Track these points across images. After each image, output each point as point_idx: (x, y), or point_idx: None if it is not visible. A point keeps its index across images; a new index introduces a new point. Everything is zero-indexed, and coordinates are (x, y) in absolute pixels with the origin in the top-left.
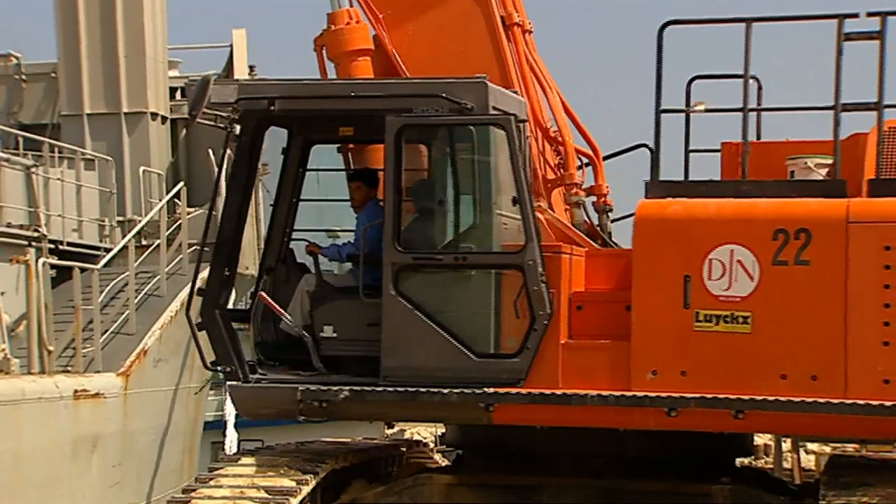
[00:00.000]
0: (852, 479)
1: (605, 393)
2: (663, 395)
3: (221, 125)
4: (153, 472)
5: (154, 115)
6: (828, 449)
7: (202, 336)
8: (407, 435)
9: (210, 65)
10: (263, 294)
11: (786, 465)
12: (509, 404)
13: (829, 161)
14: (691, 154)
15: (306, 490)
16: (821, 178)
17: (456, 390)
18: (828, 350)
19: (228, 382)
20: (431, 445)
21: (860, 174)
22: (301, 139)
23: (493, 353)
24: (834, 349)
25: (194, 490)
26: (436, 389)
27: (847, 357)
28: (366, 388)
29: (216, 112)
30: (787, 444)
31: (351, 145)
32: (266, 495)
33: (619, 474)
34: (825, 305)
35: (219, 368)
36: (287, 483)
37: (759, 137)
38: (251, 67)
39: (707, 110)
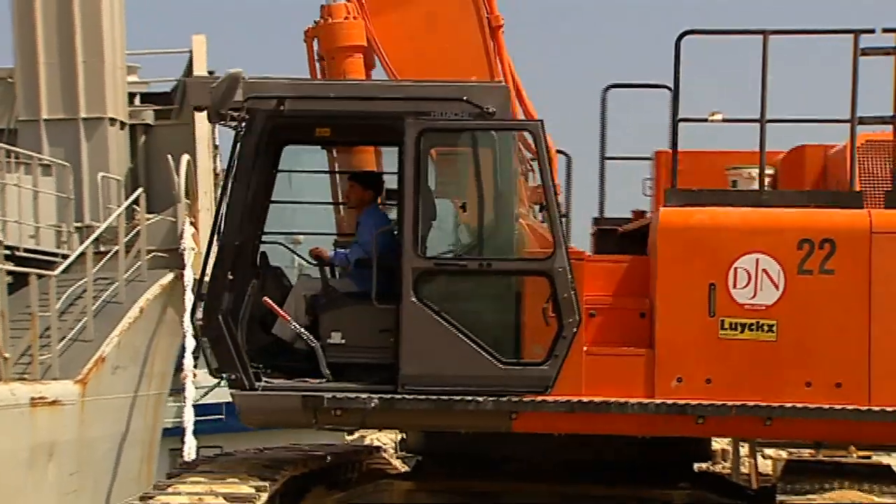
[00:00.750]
0: (808, 483)
1: (645, 401)
2: (705, 403)
3: (232, 125)
4: (111, 479)
5: (113, 120)
6: (784, 454)
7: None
8: (367, 441)
9: (169, 70)
10: (268, 300)
11: (743, 469)
12: (536, 412)
13: (772, 171)
14: (617, 161)
15: (265, 497)
16: (767, 188)
17: (491, 398)
18: (852, 358)
19: (233, 391)
20: (392, 451)
21: (802, 185)
22: (295, 141)
23: (520, 360)
24: (858, 357)
25: (152, 497)
26: (469, 398)
27: (871, 365)
28: (395, 396)
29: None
30: (744, 450)
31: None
32: (224, 502)
33: (579, 480)
34: (849, 314)
35: (223, 376)
36: (245, 490)
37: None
38: (211, 73)
39: (724, 120)
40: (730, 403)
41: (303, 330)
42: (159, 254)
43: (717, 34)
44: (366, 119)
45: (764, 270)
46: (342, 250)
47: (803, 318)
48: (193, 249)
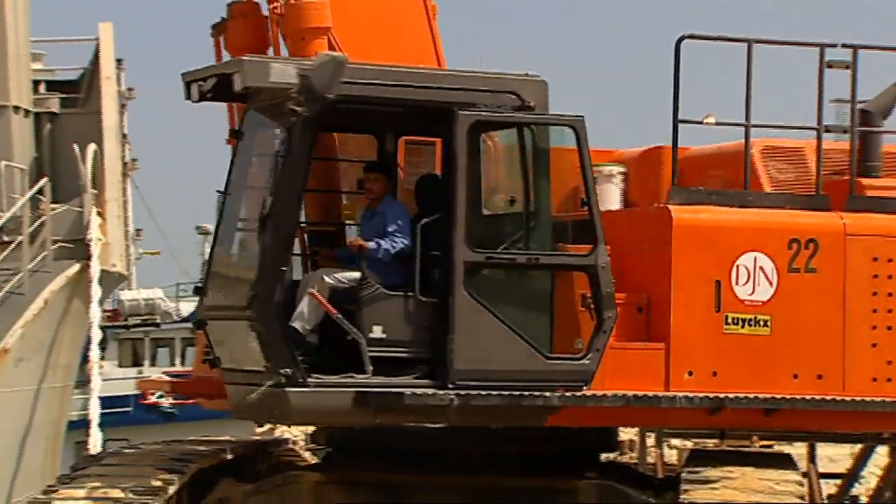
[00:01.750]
0: (712, 472)
1: (690, 395)
2: (730, 395)
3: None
4: (14, 472)
5: (17, 108)
6: (689, 444)
7: (251, 337)
8: (276, 433)
9: (76, 59)
10: (314, 292)
11: (650, 459)
12: (585, 408)
13: (623, 169)
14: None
15: (172, 489)
16: (618, 187)
17: (566, 394)
18: (830, 351)
19: (288, 389)
20: (301, 443)
21: (654, 184)
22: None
23: (561, 354)
24: (835, 350)
25: (55, 490)
26: (538, 393)
27: (845, 357)
28: (471, 392)
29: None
30: (650, 440)
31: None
32: (130, 495)
33: (487, 471)
34: (828, 310)
35: (280, 373)
36: (152, 482)
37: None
38: (119, 61)
39: (717, 123)
40: (782, 396)
41: (349, 324)
42: (65, 244)
43: (713, 40)
44: (411, 108)
45: (761, 268)
46: (382, 242)
47: (792, 314)
48: (100, 240)
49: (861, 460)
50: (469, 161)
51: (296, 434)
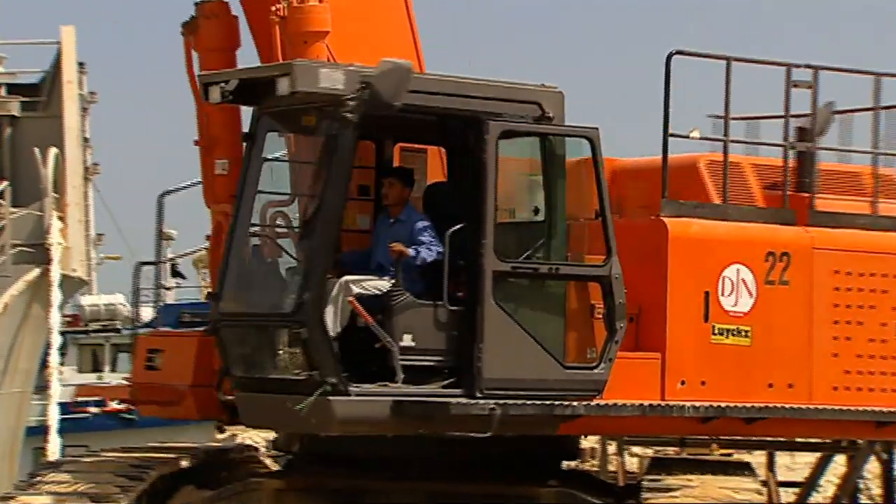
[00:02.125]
0: (672, 479)
1: (697, 404)
2: (732, 404)
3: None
4: None
5: None
6: (650, 452)
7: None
8: (238, 440)
9: (38, 62)
10: (354, 301)
11: (611, 467)
12: (595, 416)
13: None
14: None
15: (132, 496)
16: None
17: (591, 403)
18: (800, 361)
19: (332, 398)
20: (262, 450)
21: (577, 194)
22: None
23: (577, 363)
24: (804, 360)
25: (13, 497)
26: (566, 402)
27: (812, 367)
28: (508, 402)
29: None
30: (612, 447)
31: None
32: (89, 502)
33: (449, 478)
34: (798, 321)
35: (326, 381)
36: (111, 489)
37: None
38: (81, 65)
39: (701, 137)
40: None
41: (384, 333)
42: (25, 248)
43: (701, 56)
44: (441, 116)
45: (743, 280)
46: (420, 250)
47: (769, 325)
48: (61, 244)
49: (819, 469)
50: (496, 170)
51: (257, 440)
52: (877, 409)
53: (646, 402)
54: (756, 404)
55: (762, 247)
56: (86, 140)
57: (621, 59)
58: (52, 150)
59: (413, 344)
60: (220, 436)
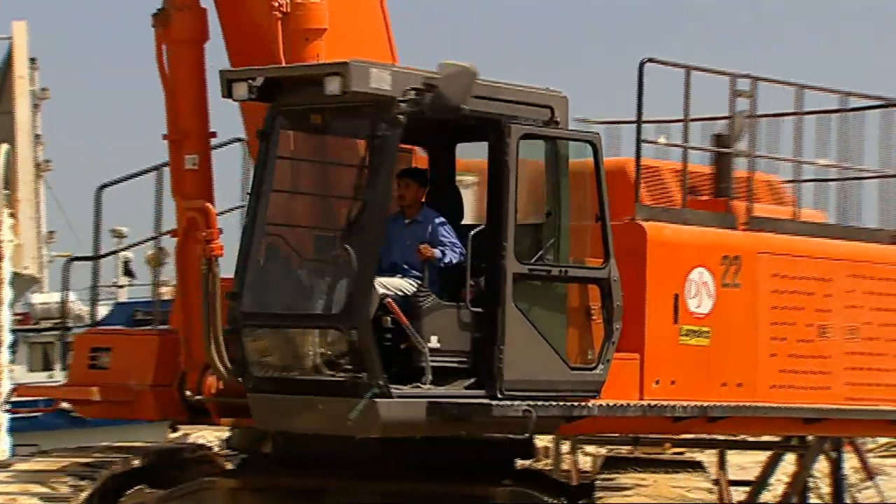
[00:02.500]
0: (625, 478)
1: (695, 403)
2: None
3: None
4: None
5: None
6: (603, 451)
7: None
8: (191, 438)
9: None
10: (392, 302)
11: (564, 466)
12: (598, 417)
13: (474, 179)
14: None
15: (83, 496)
16: (472, 195)
17: (601, 404)
18: (747, 360)
19: (379, 400)
20: (216, 449)
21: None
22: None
23: (581, 365)
24: (750, 360)
25: None
26: (579, 403)
27: (756, 366)
28: (539, 403)
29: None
30: (565, 446)
31: None
32: (40, 502)
33: (403, 477)
34: (747, 322)
35: (375, 384)
36: (63, 489)
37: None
38: (32, 60)
39: (666, 143)
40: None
41: (416, 334)
42: None
43: (672, 66)
44: (463, 119)
45: (704, 283)
46: (446, 251)
47: (725, 326)
48: (12, 241)
49: (769, 468)
50: (517, 173)
51: (210, 440)
52: (808, 406)
53: (646, 402)
54: (718, 403)
55: (720, 250)
56: (37, 136)
57: (620, 59)
58: (3, 147)
59: (439, 345)
60: (172, 435)
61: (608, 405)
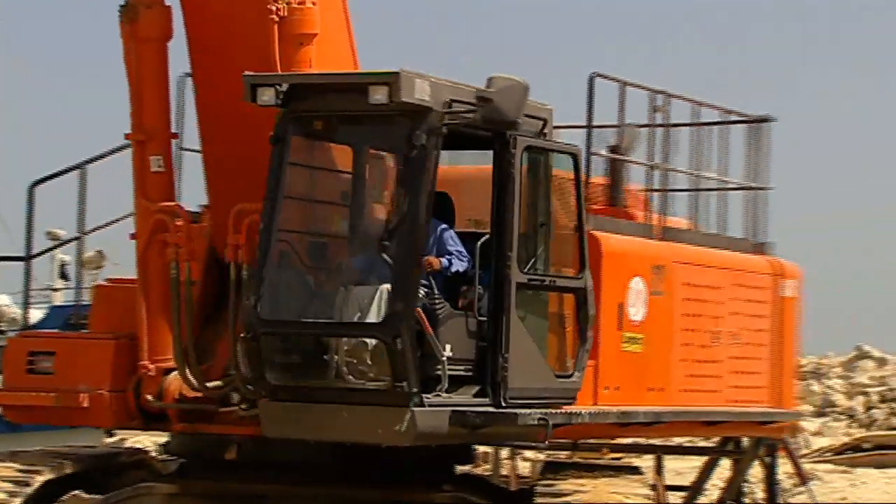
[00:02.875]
0: (564, 484)
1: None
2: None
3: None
4: None
5: None
6: (542, 456)
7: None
8: (128, 443)
9: None
10: (419, 311)
11: (503, 471)
12: (576, 424)
13: None
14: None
15: (17, 502)
16: None
17: (591, 411)
18: (666, 366)
19: (416, 409)
20: (154, 454)
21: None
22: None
23: (563, 372)
24: (668, 365)
25: None
26: (571, 411)
27: (670, 371)
28: (550, 412)
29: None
30: (504, 452)
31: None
32: None
33: (343, 482)
34: (667, 328)
35: (415, 392)
36: None
37: None
38: None
39: (605, 155)
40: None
41: (437, 342)
42: None
43: (618, 82)
44: (475, 128)
45: (639, 291)
46: (453, 261)
47: (652, 333)
48: None
49: (705, 473)
50: (520, 183)
51: (147, 445)
52: (711, 409)
53: (623, 408)
54: (651, 408)
55: (650, 260)
56: None
57: (623, 59)
58: None
59: (451, 354)
60: (108, 440)
61: (599, 412)
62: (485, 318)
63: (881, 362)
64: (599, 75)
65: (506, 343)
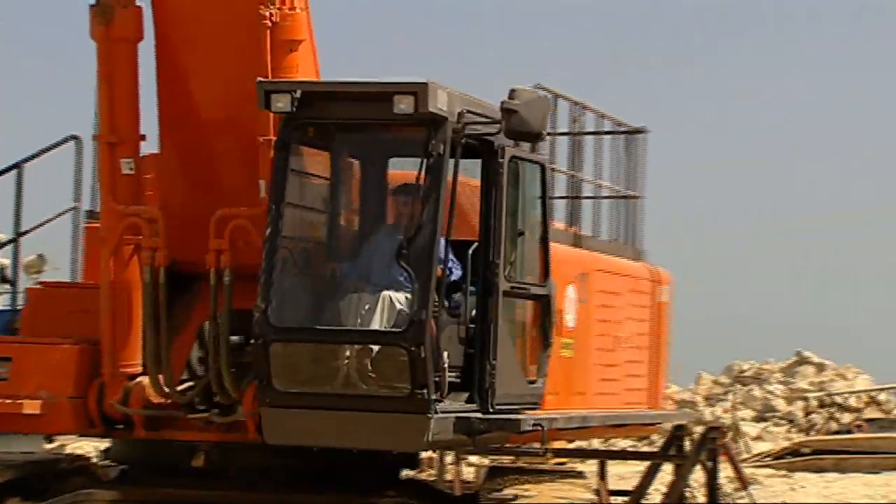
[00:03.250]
0: (509, 488)
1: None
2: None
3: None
4: None
5: None
6: (486, 461)
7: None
8: (68, 449)
9: None
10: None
11: (448, 476)
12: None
13: None
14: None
15: None
16: None
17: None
18: (586, 371)
19: (433, 416)
20: (95, 460)
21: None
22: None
23: (531, 378)
24: (587, 370)
25: None
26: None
27: (589, 376)
28: (551, 417)
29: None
30: (448, 457)
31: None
32: None
33: (286, 488)
34: (588, 334)
35: (434, 399)
36: None
37: None
38: None
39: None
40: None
41: (440, 350)
42: None
43: (558, 96)
44: (467, 137)
45: (571, 298)
46: (452, 267)
47: (580, 338)
48: None
49: (648, 478)
50: (506, 192)
51: (88, 450)
52: (618, 412)
53: (584, 413)
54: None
55: (578, 267)
56: None
57: (621, 58)
58: None
59: (448, 360)
60: (48, 445)
61: (573, 416)
62: (473, 325)
63: (820, 368)
64: (540, 88)
65: (494, 350)
